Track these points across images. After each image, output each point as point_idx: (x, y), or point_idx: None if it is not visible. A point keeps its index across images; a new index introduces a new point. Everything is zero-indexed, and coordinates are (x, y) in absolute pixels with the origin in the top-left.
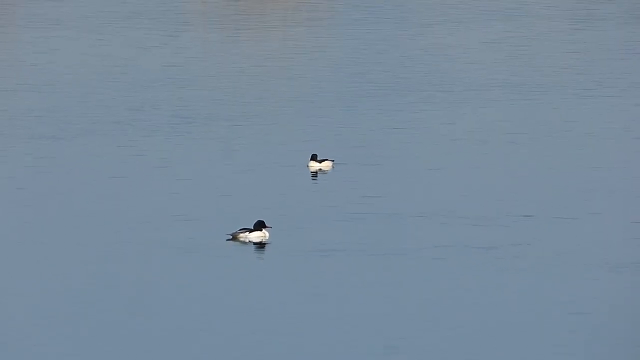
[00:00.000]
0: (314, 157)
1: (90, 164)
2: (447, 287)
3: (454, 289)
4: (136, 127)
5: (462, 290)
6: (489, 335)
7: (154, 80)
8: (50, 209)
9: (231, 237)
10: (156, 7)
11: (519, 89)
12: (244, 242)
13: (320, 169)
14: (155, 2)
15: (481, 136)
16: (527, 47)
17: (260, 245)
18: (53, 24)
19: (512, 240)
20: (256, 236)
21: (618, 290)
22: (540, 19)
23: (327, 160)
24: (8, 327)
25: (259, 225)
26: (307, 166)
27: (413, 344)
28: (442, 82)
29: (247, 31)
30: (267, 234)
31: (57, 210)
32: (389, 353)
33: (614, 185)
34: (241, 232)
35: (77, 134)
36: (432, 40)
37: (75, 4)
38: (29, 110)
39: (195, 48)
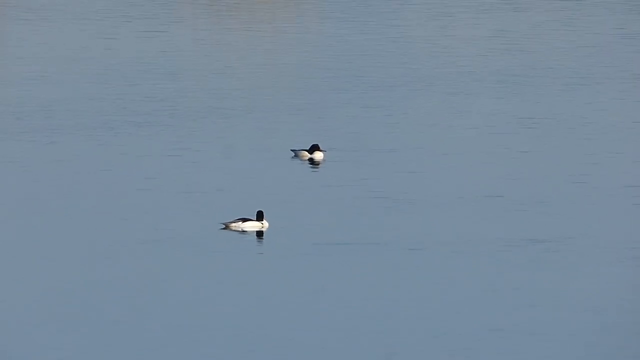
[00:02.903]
0: (316, 147)
1: (80, 159)
2: (452, 281)
3: (460, 281)
4: (127, 120)
5: (465, 283)
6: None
7: (145, 73)
8: (43, 205)
9: (224, 226)
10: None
11: (518, 80)
12: (237, 232)
13: (319, 159)
14: None
15: (484, 126)
16: (525, 39)
17: (258, 235)
18: (43, 15)
19: (524, 232)
20: (250, 226)
21: None
22: (538, 9)
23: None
24: (7, 326)
25: (260, 216)
26: (308, 156)
27: (414, 343)
28: (436, 74)
29: (237, 25)
30: (266, 224)
31: (50, 205)
32: (390, 353)
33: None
34: (234, 222)
35: (66, 130)
36: (425, 33)
37: None
38: (17, 104)
39: (186, 41)
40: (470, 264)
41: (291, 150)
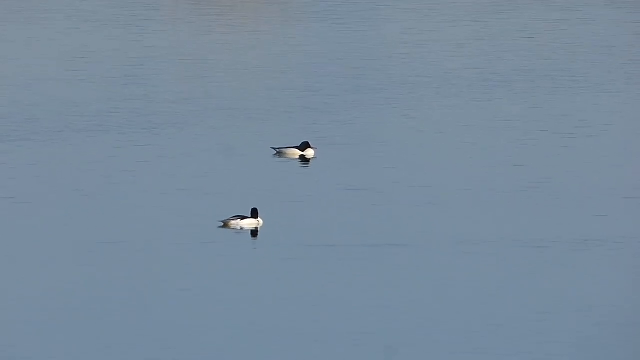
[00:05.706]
0: (307, 144)
1: (79, 161)
2: (448, 278)
3: (456, 280)
4: (122, 122)
5: (463, 282)
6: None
7: (137, 75)
8: (41, 205)
9: (223, 224)
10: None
11: (525, 81)
12: (235, 229)
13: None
14: None
15: (481, 125)
16: (517, 40)
17: (253, 232)
18: (42, 17)
19: (517, 231)
20: (248, 224)
21: None
22: (532, 8)
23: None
24: (7, 327)
25: (254, 213)
26: (298, 154)
27: (411, 340)
28: (430, 74)
29: (220, 27)
30: (261, 221)
31: (49, 204)
32: (389, 352)
33: None
34: (232, 220)
35: (57, 133)
36: (421, 34)
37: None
38: (22, 105)
39: (177, 43)
40: (467, 262)
41: (272, 148)
